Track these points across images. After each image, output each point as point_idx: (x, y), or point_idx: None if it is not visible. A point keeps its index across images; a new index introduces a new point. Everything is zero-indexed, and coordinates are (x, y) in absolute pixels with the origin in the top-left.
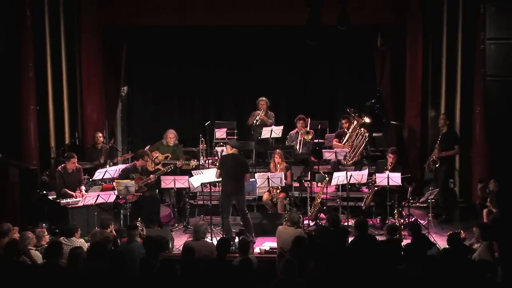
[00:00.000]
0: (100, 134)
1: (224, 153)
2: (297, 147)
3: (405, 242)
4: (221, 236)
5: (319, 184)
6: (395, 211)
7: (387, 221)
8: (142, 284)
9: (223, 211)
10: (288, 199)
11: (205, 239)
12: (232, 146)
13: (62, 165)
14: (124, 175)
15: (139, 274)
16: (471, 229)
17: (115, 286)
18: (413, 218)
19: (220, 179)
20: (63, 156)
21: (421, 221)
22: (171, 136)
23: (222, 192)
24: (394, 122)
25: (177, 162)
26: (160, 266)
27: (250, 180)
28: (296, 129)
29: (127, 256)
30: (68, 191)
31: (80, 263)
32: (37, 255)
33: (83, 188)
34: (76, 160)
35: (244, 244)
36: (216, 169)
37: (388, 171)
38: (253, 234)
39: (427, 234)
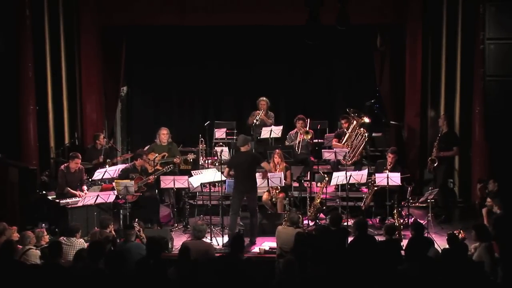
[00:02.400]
0: (102, 136)
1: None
2: (296, 149)
3: (404, 242)
4: (221, 235)
5: (319, 184)
6: (395, 211)
7: (386, 221)
8: (139, 284)
9: (233, 208)
10: (287, 199)
11: (204, 239)
12: (241, 146)
13: (65, 164)
14: (123, 175)
15: (136, 275)
16: (471, 229)
17: (113, 286)
18: (413, 218)
19: (226, 178)
20: (62, 156)
21: (421, 221)
22: (164, 133)
23: (234, 189)
24: (393, 122)
25: (175, 159)
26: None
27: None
28: (295, 129)
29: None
30: (71, 190)
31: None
32: (37, 254)
33: (85, 188)
34: (80, 160)
35: (237, 242)
36: (225, 167)
37: (387, 171)
38: (256, 234)
39: (426, 234)
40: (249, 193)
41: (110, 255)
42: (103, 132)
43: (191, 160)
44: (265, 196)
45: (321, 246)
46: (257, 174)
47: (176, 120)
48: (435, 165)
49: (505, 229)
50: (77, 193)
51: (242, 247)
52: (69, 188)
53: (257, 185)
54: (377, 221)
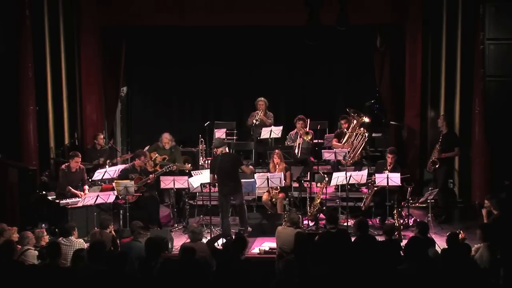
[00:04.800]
0: (101, 136)
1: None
2: (296, 151)
3: (404, 242)
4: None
5: (319, 184)
6: (395, 211)
7: (386, 221)
8: (141, 285)
9: (222, 211)
10: (287, 199)
11: (202, 241)
12: (216, 147)
13: (66, 164)
14: (123, 175)
15: (137, 275)
16: (471, 229)
17: (114, 286)
18: (413, 219)
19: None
20: (62, 157)
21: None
22: (166, 141)
23: (219, 192)
24: (393, 122)
25: (173, 166)
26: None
27: (250, 180)
28: (295, 130)
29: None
30: (73, 190)
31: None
32: (35, 255)
33: (86, 187)
34: (80, 159)
35: (240, 243)
36: (210, 173)
37: (387, 172)
38: (248, 226)
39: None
40: (234, 195)
41: (113, 254)
42: (103, 133)
43: (187, 172)
44: (265, 197)
45: (322, 247)
46: (257, 175)
47: (176, 120)
48: (436, 166)
49: (503, 230)
50: (79, 193)
51: (244, 248)
52: (70, 188)
53: (257, 186)
54: (377, 222)
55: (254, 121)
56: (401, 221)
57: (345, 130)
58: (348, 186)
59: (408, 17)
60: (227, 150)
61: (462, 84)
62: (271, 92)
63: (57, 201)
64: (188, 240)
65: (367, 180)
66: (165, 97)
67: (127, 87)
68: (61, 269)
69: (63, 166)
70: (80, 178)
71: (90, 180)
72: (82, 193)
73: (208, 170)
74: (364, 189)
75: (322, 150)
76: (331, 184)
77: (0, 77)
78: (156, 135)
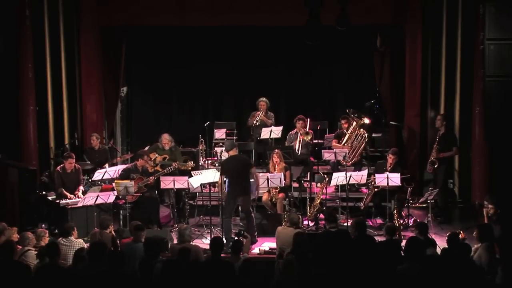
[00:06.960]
0: (94, 137)
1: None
2: (297, 147)
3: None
4: (221, 236)
5: (319, 184)
6: (395, 212)
7: (386, 221)
8: (142, 285)
9: (225, 211)
10: (287, 199)
11: (191, 242)
12: (227, 151)
13: (61, 165)
14: (125, 174)
15: (138, 275)
16: (471, 229)
17: (115, 286)
18: (413, 219)
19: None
20: (62, 157)
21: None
22: (165, 142)
23: (228, 193)
24: (393, 123)
25: (173, 164)
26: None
27: (250, 180)
28: (295, 130)
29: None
30: (64, 191)
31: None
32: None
33: (81, 188)
34: (74, 160)
35: (236, 245)
36: (219, 174)
37: (387, 172)
38: (256, 234)
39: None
40: (242, 196)
41: (113, 254)
42: (102, 133)
43: (190, 169)
44: (265, 197)
45: (322, 246)
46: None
47: (176, 120)
48: (435, 166)
49: (503, 229)
50: (68, 195)
51: (239, 250)
52: (62, 189)
53: (257, 186)
54: (377, 222)
55: (255, 122)
56: (401, 221)
57: (345, 131)
58: (348, 187)
59: (408, 17)
60: (237, 152)
61: (462, 84)
62: (271, 92)
63: (57, 201)
64: (176, 242)
65: (367, 180)
66: (165, 97)
67: (127, 87)
68: (61, 269)
69: (58, 168)
70: (76, 179)
71: (90, 180)
72: (71, 195)
73: (208, 170)
74: (364, 189)
75: (322, 150)
76: (331, 184)
77: (0, 77)
78: (156, 135)
